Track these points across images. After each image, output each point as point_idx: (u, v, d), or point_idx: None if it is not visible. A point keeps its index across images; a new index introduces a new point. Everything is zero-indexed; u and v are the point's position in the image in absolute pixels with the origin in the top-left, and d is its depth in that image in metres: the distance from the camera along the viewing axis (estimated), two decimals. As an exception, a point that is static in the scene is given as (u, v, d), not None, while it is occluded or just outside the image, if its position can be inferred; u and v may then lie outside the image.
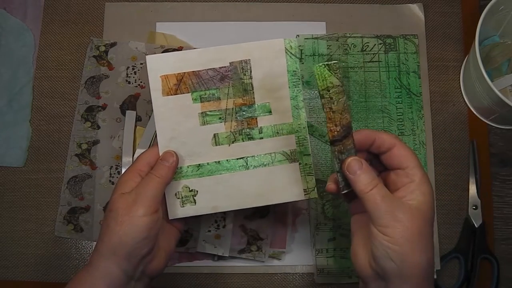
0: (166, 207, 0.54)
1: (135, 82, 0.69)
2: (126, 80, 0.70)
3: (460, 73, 0.71)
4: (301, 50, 0.71)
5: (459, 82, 0.71)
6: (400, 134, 0.69)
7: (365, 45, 0.71)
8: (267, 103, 0.55)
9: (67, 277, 0.66)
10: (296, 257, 0.66)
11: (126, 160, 0.67)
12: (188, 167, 0.55)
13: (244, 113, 0.55)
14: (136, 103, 0.69)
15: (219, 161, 0.55)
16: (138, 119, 0.69)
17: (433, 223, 0.47)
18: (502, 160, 0.69)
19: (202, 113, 0.55)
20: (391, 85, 0.70)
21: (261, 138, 0.55)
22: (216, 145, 0.55)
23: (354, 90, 0.70)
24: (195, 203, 0.55)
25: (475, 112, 0.70)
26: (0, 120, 0.69)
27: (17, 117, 0.70)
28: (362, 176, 0.47)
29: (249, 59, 0.55)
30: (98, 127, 0.69)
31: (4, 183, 0.68)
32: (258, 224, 0.66)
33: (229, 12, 0.72)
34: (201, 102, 0.55)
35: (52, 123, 0.70)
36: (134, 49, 0.70)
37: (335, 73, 0.50)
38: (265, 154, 0.55)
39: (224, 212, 0.65)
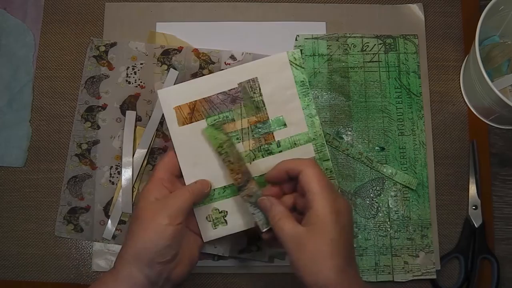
0: (190, 216, 0.56)
1: (135, 82, 0.69)
2: (126, 80, 0.70)
3: (460, 73, 0.71)
4: (301, 50, 0.71)
5: (459, 82, 0.71)
6: (400, 134, 0.69)
7: (365, 45, 0.71)
8: (281, 117, 0.56)
9: (67, 277, 0.66)
10: (296, 257, 0.66)
11: (126, 160, 0.67)
12: (214, 190, 0.56)
13: (260, 130, 0.56)
14: (136, 103, 0.69)
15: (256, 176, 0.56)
16: (138, 119, 0.69)
17: (339, 238, 0.48)
18: (502, 160, 0.69)
19: None
20: (391, 85, 0.70)
21: (280, 151, 0.56)
22: None
23: (354, 90, 0.70)
24: (227, 223, 0.57)
25: (475, 112, 0.70)
26: (0, 120, 0.69)
27: (17, 117, 0.70)
28: (270, 212, 0.52)
29: (256, 77, 0.56)
30: (98, 127, 0.69)
31: (4, 183, 0.68)
32: (258, 224, 0.66)
33: (229, 12, 0.72)
34: None
35: (52, 123, 0.70)
36: (134, 49, 0.70)
37: (221, 130, 0.54)
38: None
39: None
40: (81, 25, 0.72)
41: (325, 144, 0.57)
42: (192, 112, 0.56)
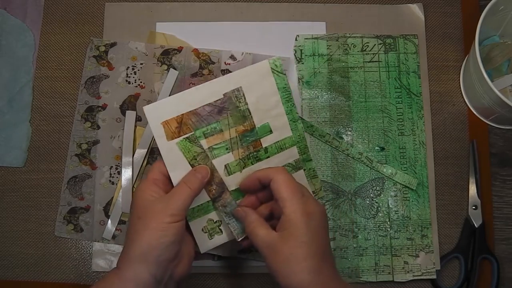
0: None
1: (135, 82, 0.69)
2: (126, 80, 0.70)
3: (460, 73, 0.71)
4: (301, 50, 0.71)
5: (459, 82, 0.71)
6: (400, 134, 0.69)
7: (365, 45, 0.71)
8: (267, 123, 0.58)
9: (67, 277, 0.66)
10: (296, 257, 0.66)
11: (126, 160, 0.67)
12: (208, 202, 0.57)
13: (247, 138, 0.57)
14: (136, 103, 0.69)
15: (235, 189, 0.57)
16: (138, 119, 0.69)
17: (311, 240, 0.50)
18: (502, 160, 0.69)
19: (209, 148, 0.57)
20: (391, 85, 0.70)
21: (268, 157, 0.58)
22: (229, 175, 0.57)
23: (354, 90, 0.70)
24: (222, 232, 0.58)
25: (475, 112, 0.70)
26: (0, 120, 0.69)
27: (17, 117, 0.70)
28: (245, 220, 0.54)
29: (241, 87, 0.57)
30: (98, 127, 0.69)
31: (4, 183, 0.68)
32: (258, 224, 0.66)
33: (229, 12, 0.72)
34: (205, 138, 0.57)
35: (52, 123, 0.70)
36: (134, 49, 0.70)
37: (195, 143, 0.55)
38: None
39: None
40: (81, 25, 0.72)
41: (307, 146, 0.59)
42: (180, 126, 0.56)
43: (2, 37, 0.71)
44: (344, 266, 0.65)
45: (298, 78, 0.70)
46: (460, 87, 0.71)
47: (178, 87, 0.69)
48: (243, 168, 0.57)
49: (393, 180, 0.67)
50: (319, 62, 0.70)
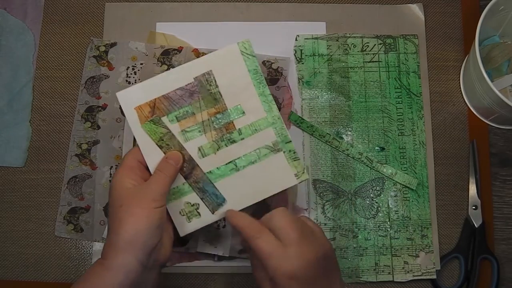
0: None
1: (135, 82, 0.69)
2: (126, 80, 0.70)
3: (460, 73, 0.71)
4: (301, 50, 0.71)
5: (459, 82, 0.71)
6: (400, 134, 0.69)
7: (365, 45, 0.71)
8: (239, 105, 0.58)
9: (67, 277, 0.66)
10: (296, 257, 0.66)
11: (126, 160, 0.67)
12: (183, 184, 0.57)
13: (220, 120, 0.58)
14: (136, 103, 0.69)
15: (210, 171, 0.57)
16: (138, 119, 0.69)
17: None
18: (502, 160, 0.69)
19: (182, 131, 0.57)
20: (391, 85, 0.70)
21: (242, 139, 0.58)
22: (204, 157, 0.57)
23: (354, 90, 0.70)
24: (200, 215, 0.58)
25: (475, 112, 0.70)
26: (0, 120, 0.69)
27: (17, 117, 0.70)
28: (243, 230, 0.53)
29: (211, 70, 0.58)
30: (98, 127, 0.69)
31: (4, 183, 0.68)
32: (258, 224, 0.66)
33: (229, 12, 0.72)
34: (178, 121, 0.57)
35: (52, 123, 0.70)
36: (134, 49, 0.70)
37: (160, 124, 0.56)
38: (251, 152, 0.58)
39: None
40: (81, 25, 0.72)
41: (285, 127, 0.58)
42: (152, 111, 0.57)
43: (2, 37, 0.71)
44: (344, 266, 0.65)
45: (298, 78, 0.70)
46: (460, 87, 0.71)
47: (178, 87, 0.69)
48: (218, 150, 0.57)
49: (393, 180, 0.67)
50: (319, 62, 0.70)
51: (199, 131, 0.57)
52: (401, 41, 0.71)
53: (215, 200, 0.57)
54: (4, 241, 0.67)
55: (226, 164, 0.57)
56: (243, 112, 0.58)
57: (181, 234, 0.57)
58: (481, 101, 0.66)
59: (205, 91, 0.57)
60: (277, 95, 0.69)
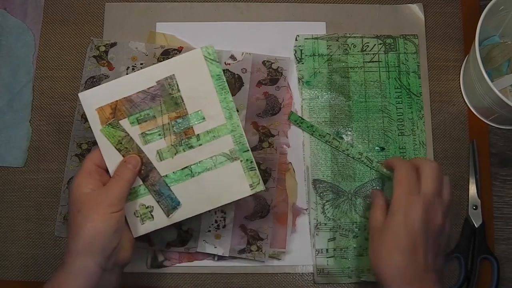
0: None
1: (135, 82, 0.69)
2: (126, 80, 0.70)
3: (460, 73, 0.71)
4: (301, 50, 0.71)
5: (459, 82, 0.71)
6: (400, 134, 0.69)
7: (365, 45, 0.71)
8: (199, 111, 0.58)
9: (67, 277, 0.66)
10: (296, 257, 0.66)
11: (126, 160, 0.67)
12: (140, 186, 0.58)
13: (180, 125, 0.58)
14: (136, 103, 0.69)
15: (166, 175, 0.58)
16: (138, 119, 0.69)
17: (401, 236, 0.54)
18: (502, 160, 0.69)
19: (141, 133, 0.58)
20: (391, 85, 0.70)
21: (200, 144, 0.58)
22: (161, 160, 0.58)
23: (354, 90, 0.70)
24: (153, 218, 0.58)
25: (475, 112, 0.70)
26: (0, 120, 0.69)
27: (17, 117, 0.70)
28: (373, 201, 0.62)
29: (173, 74, 0.58)
30: (98, 127, 0.69)
31: (4, 183, 0.68)
32: (258, 224, 0.66)
33: (229, 12, 0.72)
34: (138, 124, 0.58)
35: (52, 123, 0.70)
36: (134, 49, 0.70)
37: (118, 127, 0.57)
38: (207, 159, 0.58)
39: (224, 212, 0.66)
40: (81, 25, 0.72)
41: (244, 135, 0.58)
42: (114, 112, 0.57)
43: (2, 37, 0.71)
44: (344, 266, 0.65)
45: (298, 78, 0.70)
46: (460, 87, 0.71)
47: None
48: (175, 155, 0.58)
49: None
50: (319, 62, 0.70)
51: (159, 135, 0.58)
52: (401, 41, 0.71)
53: (170, 203, 0.58)
54: (4, 241, 0.67)
55: (182, 169, 0.58)
56: (203, 118, 0.58)
57: (134, 235, 0.58)
58: (481, 101, 0.66)
59: (167, 95, 0.58)
60: (277, 95, 0.69)
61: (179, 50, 0.70)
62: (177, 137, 0.58)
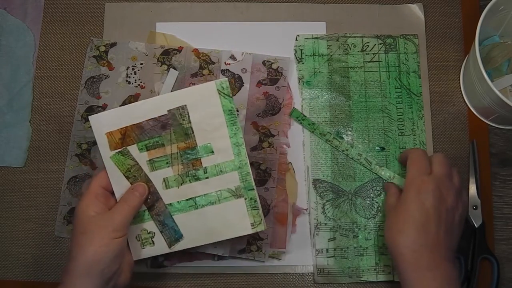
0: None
1: (135, 82, 0.69)
2: (126, 80, 0.70)
3: (460, 73, 0.71)
4: (301, 50, 0.71)
5: (459, 82, 0.71)
6: (400, 134, 0.69)
7: (365, 45, 0.71)
8: (209, 144, 0.58)
9: (67, 277, 0.66)
10: (296, 257, 0.66)
11: (126, 160, 0.67)
12: (144, 211, 0.59)
13: (188, 155, 0.58)
14: (136, 103, 0.69)
15: (170, 203, 0.59)
16: (138, 119, 0.69)
17: (412, 214, 0.57)
18: (502, 160, 0.69)
19: (149, 160, 0.58)
20: (391, 85, 0.70)
21: (207, 177, 0.58)
22: (167, 189, 0.58)
23: (354, 90, 0.70)
24: (154, 244, 0.59)
25: (475, 112, 0.70)
26: (0, 120, 0.69)
27: (17, 117, 0.70)
28: (387, 191, 0.65)
29: (185, 105, 0.58)
30: (98, 127, 0.69)
31: (4, 183, 0.68)
32: (258, 224, 0.66)
33: (229, 12, 0.72)
34: (147, 150, 0.58)
35: (52, 123, 0.70)
36: (134, 49, 0.70)
37: (128, 156, 0.57)
38: (212, 192, 0.58)
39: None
40: (81, 25, 0.72)
41: (250, 173, 0.58)
42: (123, 137, 0.58)
43: (2, 37, 0.71)
44: (344, 266, 0.65)
45: (298, 78, 0.70)
46: (460, 87, 0.71)
47: (178, 87, 0.69)
48: (181, 185, 0.58)
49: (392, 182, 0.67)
50: (319, 62, 0.70)
51: (167, 163, 0.58)
52: (401, 41, 0.71)
53: (173, 235, 0.59)
54: (4, 241, 0.67)
55: (187, 199, 0.58)
56: (212, 151, 0.58)
57: (134, 258, 0.59)
58: (481, 101, 0.66)
59: (177, 124, 0.58)
60: (277, 95, 0.69)
61: (179, 50, 0.70)
62: (184, 167, 0.58)
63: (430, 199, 0.56)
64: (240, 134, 0.58)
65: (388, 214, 0.61)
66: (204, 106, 0.58)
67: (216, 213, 0.58)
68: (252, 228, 0.58)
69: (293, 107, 0.69)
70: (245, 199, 0.58)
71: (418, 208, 0.56)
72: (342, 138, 0.68)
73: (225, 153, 0.58)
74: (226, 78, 0.59)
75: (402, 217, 0.57)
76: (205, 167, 0.58)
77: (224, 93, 0.57)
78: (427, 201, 0.56)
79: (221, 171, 0.58)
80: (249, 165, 0.58)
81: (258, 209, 0.58)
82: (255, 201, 0.58)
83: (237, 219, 0.58)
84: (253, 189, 0.58)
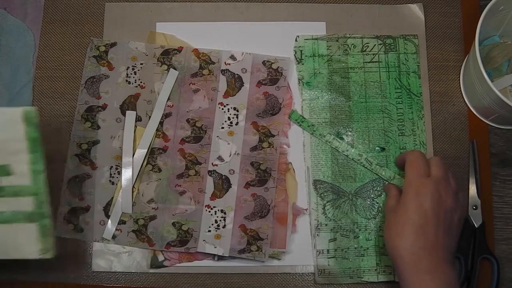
0: None
1: (135, 82, 0.69)
2: (126, 80, 0.70)
3: (460, 73, 0.71)
4: (301, 51, 0.71)
5: (459, 82, 0.71)
6: (400, 134, 0.69)
7: (365, 45, 0.71)
8: (8, 165, 0.57)
9: (67, 277, 0.66)
10: (296, 257, 0.66)
11: (126, 160, 0.67)
12: None
13: None
14: (136, 103, 0.69)
15: None
16: (138, 119, 0.69)
17: (411, 216, 0.57)
18: (502, 160, 0.69)
19: None
20: (391, 86, 0.70)
21: (3, 196, 0.58)
22: None
23: (354, 91, 0.70)
24: None
25: (475, 112, 0.70)
26: (0, 120, 0.69)
27: (17, 117, 0.69)
28: (388, 193, 0.65)
29: None
30: (98, 127, 0.69)
31: (4, 183, 0.68)
32: (258, 224, 0.66)
33: (229, 12, 0.72)
34: None
35: (52, 123, 0.70)
36: (134, 49, 0.70)
37: None
38: (7, 212, 0.58)
39: (224, 212, 0.66)
40: (81, 25, 0.72)
41: (46, 202, 0.58)
42: None
43: (2, 37, 0.71)
44: (345, 267, 0.65)
45: (298, 79, 0.70)
46: (460, 87, 0.71)
47: (178, 87, 0.69)
48: None
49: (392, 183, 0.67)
50: (319, 62, 0.70)
51: None
52: (401, 41, 0.71)
53: None
54: (4, 241, 0.67)
55: None
56: (9, 173, 0.57)
57: None
58: (481, 101, 0.66)
59: None
60: (277, 95, 0.69)
61: (179, 50, 0.70)
62: None
63: (428, 201, 0.57)
64: (41, 163, 0.57)
65: (388, 216, 0.61)
66: (7, 129, 0.57)
67: (8, 232, 0.58)
68: (40, 254, 0.58)
69: (292, 109, 0.69)
70: (37, 225, 0.58)
71: (416, 210, 0.57)
72: (342, 138, 0.68)
73: (23, 177, 0.58)
74: (36, 108, 0.58)
75: (401, 219, 0.57)
76: (2, 186, 0.58)
77: (30, 122, 0.57)
78: (425, 203, 0.57)
79: (16, 193, 0.58)
80: (46, 195, 0.58)
81: (51, 237, 0.59)
82: (49, 229, 0.58)
83: (26, 242, 0.58)
84: (48, 217, 0.58)
